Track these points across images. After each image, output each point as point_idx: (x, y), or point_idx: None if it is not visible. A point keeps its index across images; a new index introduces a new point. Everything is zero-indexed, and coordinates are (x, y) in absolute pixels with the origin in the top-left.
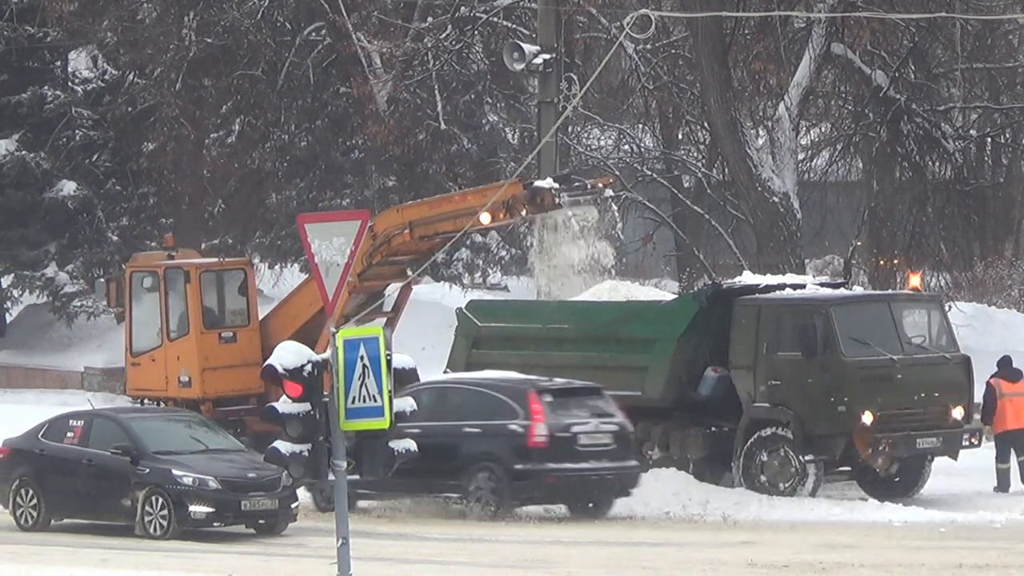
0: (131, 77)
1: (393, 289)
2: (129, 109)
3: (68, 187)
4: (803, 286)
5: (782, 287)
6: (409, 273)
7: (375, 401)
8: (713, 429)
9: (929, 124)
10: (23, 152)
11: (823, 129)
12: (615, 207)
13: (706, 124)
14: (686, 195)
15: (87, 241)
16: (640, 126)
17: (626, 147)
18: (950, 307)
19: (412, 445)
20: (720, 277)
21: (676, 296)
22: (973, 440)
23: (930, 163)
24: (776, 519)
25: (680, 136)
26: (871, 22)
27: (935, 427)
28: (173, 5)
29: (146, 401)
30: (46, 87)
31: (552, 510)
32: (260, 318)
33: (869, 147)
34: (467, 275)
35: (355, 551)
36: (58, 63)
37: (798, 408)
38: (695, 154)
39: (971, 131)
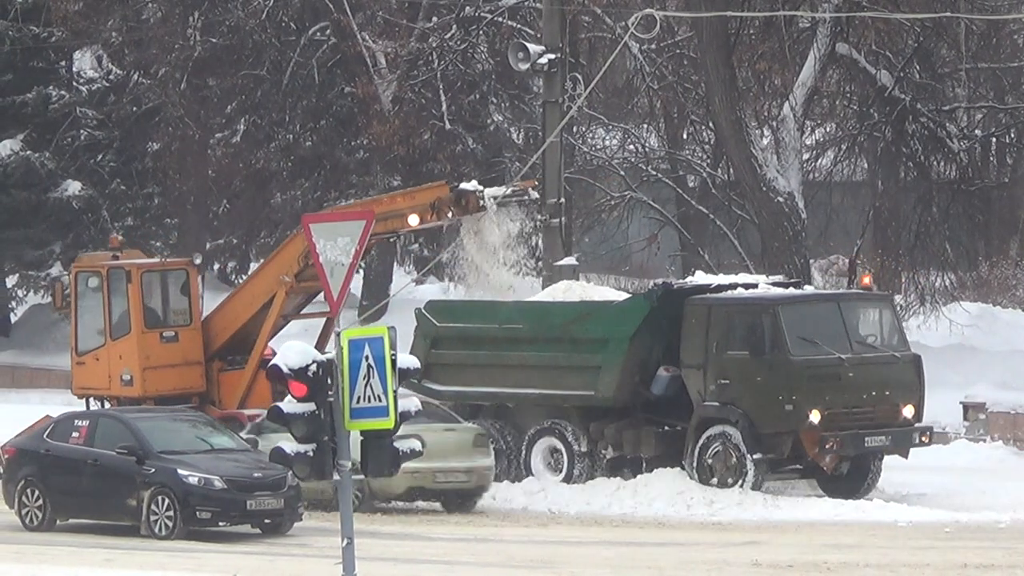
0: (136, 77)
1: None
2: (134, 109)
3: (73, 187)
4: (755, 286)
5: (733, 287)
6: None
7: (380, 401)
8: (666, 428)
9: (934, 124)
10: (28, 152)
11: (828, 129)
12: (537, 207)
13: (711, 124)
14: (691, 195)
15: (92, 241)
16: (645, 126)
17: (631, 147)
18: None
19: (417, 445)
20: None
21: (629, 296)
22: (924, 439)
23: (935, 163)
24: (781, 519)
25: (685, 136)
26: (876, 22)
27: (884, 426)
28: (178, 5)
29: (91, 400)
30: (51, 87)
31: (560, 510)
32: (203, 318)
33: (874, 147)
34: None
35: (360, 551)
36: (63, 63)
37: (747, 407)
38: (700, 154)
39: (976, 131)
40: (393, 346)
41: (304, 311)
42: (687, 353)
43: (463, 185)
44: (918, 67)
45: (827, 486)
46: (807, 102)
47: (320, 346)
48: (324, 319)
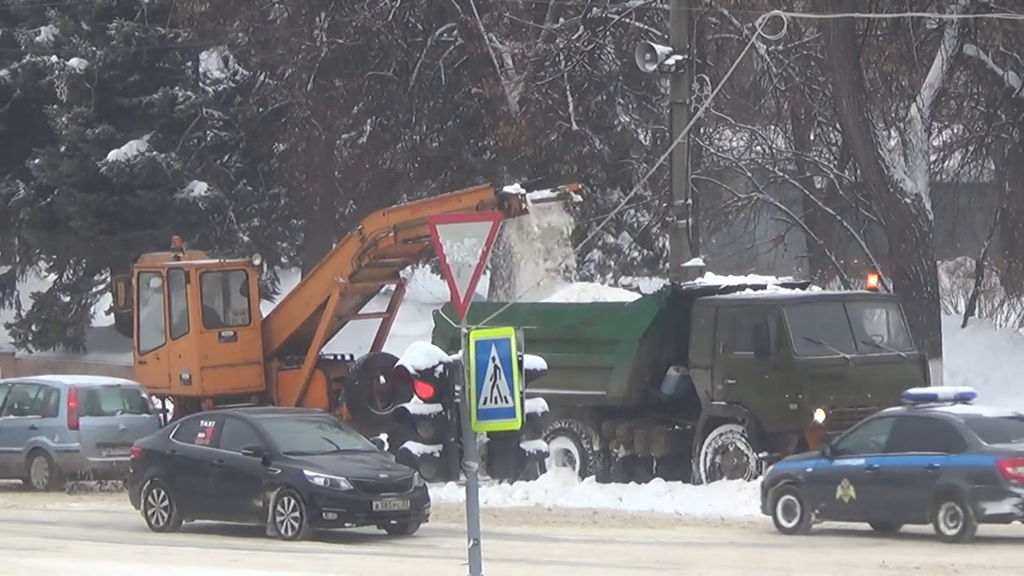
0: (262, 78)
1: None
2: (260, 110)
3: (199, 188)
4: (763, 287)
5: (741, 288)
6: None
7: (507, 402)
8: (676, 427)
9: None
10: (154, 152)
11: (955, 130)
12: (578, 210)
13: (838, 125)
14: (818, 196)
15: (218, 242)
16: (772, 127)
17: (758, 148)
18: None
19: (544, 446)
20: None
21: (639, 298)
22: None
23: None
24: None
25: (812, 137)
26: (1004, 23)
27: None
28: (304, 6)
29: (153, 398)
30: (177, 88)
31: (687, 511)
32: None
33: (1001, 148)
34: (599, 276)
35: (486, 552)
36: (189, 64)
37: (753, 406)
38: (827, 155)
39: None
40: (520, 347)
41: (361, 311)
42: (695, 353)
43: (506, 188)
44: None
45: None
46: (934, 103)
47: (377, 347)
48: (380, 319)
